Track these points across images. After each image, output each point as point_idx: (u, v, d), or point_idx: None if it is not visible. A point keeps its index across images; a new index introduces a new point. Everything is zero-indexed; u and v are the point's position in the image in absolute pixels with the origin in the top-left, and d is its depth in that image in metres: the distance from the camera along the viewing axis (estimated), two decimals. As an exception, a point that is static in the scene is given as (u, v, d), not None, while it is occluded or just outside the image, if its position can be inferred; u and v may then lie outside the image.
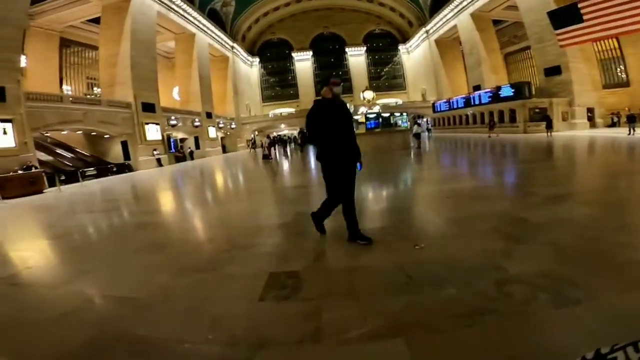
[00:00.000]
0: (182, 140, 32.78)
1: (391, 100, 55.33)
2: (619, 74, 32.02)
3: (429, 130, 34.11)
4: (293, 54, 58.59)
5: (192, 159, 29.77)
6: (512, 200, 5.51)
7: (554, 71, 28.24)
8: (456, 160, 12.96)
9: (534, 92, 29.49)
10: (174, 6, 30.93)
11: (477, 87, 36.64)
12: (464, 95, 36.98)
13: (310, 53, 58.64)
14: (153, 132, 25.06)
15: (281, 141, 35.70)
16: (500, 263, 2.80)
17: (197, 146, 32.72)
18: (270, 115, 53.52)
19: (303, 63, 58.64)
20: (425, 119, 41.57)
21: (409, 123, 30.05)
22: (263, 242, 4.15)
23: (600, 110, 27.34)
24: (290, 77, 59.63)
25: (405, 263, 2.99)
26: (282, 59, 58.89)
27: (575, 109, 25.93)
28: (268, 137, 37.48)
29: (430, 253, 3.25)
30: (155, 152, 24.40)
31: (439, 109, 42.15)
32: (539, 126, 25.93)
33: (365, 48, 59.55)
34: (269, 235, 4.45)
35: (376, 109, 23.49)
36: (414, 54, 56.28)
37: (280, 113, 54.92)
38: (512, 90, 29.43)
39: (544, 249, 3.03)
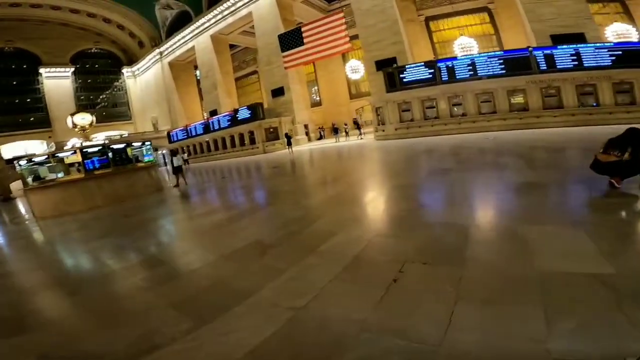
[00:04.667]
0: None
1: (114, 132, 47.07)
2: (313, 95, 39.41)
3: (186, 161, 29.82)
4: None
5: None
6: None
7: (278, 92, 31.23)
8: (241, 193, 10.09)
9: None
10: None
11: (214, 112, 36.69)
12: (202, 121, 36.00)
13: (-30, 72, 39.16)
14: None
15: None
16: None
17: None
18: None
19: None
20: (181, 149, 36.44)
21: (153, 155, 24.39)
22: None
23: (311, 126, 32.99)
24: None
25: None
26: None
27: (297, 126, 29.36)
28: None
29: None
30: None
31: (175, 138, 39.44)
32: (274, 145, 28.36)
33: (73, 69, 46.13)
34: None
35: (100, 139, 16.65)
36: (143, 78, 49.43)
37: None
38: (249, 112, 30.82)
39: None
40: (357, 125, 27.83)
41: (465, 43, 24.80)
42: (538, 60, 16.33)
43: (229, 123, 31.60)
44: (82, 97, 47.32)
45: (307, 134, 31.05)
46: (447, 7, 30.30)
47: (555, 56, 16.09)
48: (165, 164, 25.54)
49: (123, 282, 3.81)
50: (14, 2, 39.37)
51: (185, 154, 32.68)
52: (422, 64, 19.70)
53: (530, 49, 16.77)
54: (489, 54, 18.14)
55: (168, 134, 39.94)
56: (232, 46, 40.94)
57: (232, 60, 41.00)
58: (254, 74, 47.06)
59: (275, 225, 5.10)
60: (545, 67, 16.22)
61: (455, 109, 17.83)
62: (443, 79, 18.42)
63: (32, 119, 44.07)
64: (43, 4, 41.56)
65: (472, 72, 17.80)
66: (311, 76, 40.09)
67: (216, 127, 32.91)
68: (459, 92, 17.71)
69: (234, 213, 6.57)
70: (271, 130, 28.92)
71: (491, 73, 17.29)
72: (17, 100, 43.25)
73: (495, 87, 16.81)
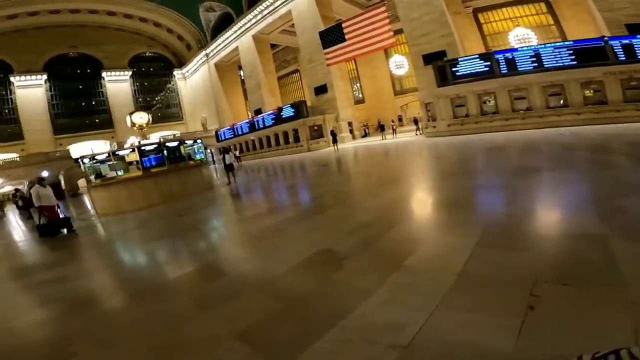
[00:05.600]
0: None
1: (167, 132, 49.08)
2: (355, 92, 38.42)
3: (237, 158, 30.58)
4: (13, 79, 41.37)
5: None
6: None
7: (321, 89, 30.75)
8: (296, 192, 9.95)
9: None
10: None
11: (258, 111, 37.00)
12: (248, 120, 36.48)
13: (44, 77, 43.13)
14: None
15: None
16: None
17: None
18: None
19: (30, 90, 43.28)
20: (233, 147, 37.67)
21: (204, 153, 25.19)
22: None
23: (355, 124, 32.02)
24: (7, 110, 41.92)
25: None
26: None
27: (341, 124, 28.70)
28: None
29: None
30: None
31: (223, 137, 40.23)
32: (318, 143, 27.86)
33: (131, 72, 49.38)
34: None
35: (154, 138, 17.17)
36: (192, 80, 51.56)
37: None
38: (293, 110, 30.55)
39: None
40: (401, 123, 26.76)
41: (522, 34, 22.82)
42: (615, 50, 14.44)
43: (273, 121, 31.60)
44: (139, 99, 50.16)
45: (351, 131, 30.29)
46: (498, -2, 28.32)
47: (635, 46, 14.19)
48: (214, 162, 26.22)
49: (179, 299, 3.28)
50: (73, 8, 42.61)
51: (237, 151, 32.94)
52: (477, 56, 18.21)
53: (605, 38, 14.83)
54: (556, 44, 16.24)
55: (216, 133, 40.95)
56: (272, 46, 41.16)
57: (273, 60, 41.47)
58: (295, 72, 47.21)
59: (343, 230, 4.45)
60: (624, 58, 14.32)
61: (517, 103, 16.17)
62: (502, 71, 16.85)
63: (97, 120, 47.75)
64: (99, 9, 44.52)
65: (536, 64, 16.10)
66: (353, 73, 39.28)
67: (261, 125, 33.09)
68: (521, 85, 16.05)
69: (291, 215, 6.05)
70: (315, 128, 28.48)
71: (560, 64, 15.50)
72: (83, 103, 47.07)
73: (566, 79, 14.98)
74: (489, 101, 16.90)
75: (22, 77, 42.10)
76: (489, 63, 17.23)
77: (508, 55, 16.97)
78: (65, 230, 8.35)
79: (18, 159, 34.89)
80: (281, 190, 10.32)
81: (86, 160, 12.15)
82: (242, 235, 5.46)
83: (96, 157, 12.22)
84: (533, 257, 2.90)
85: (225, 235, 5.76)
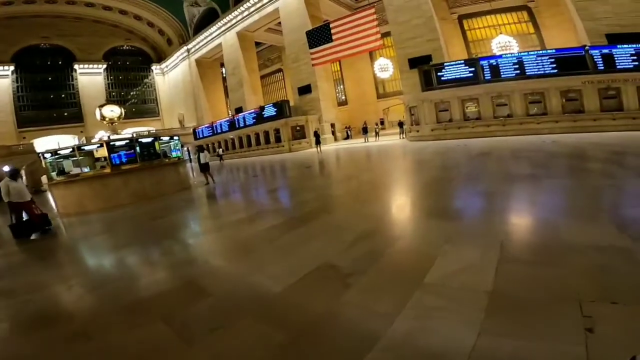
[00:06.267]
0: None
1: (142, 128, 46.95)
2: (338, 94, 38.27)
3: (220, 156, 29.65)
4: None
5: None
6: None
7: (305, 90, 30.27)
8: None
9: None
10: None
11: (239, 109, 36.09)
12: (228, 118, 35.38)
13: (11, 68, 40.28)
14: None
15: None
16: None
17: None
18: None
19: None
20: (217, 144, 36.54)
21: (180, 150, 23.91)
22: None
23: (338, 125, 31.71)
24: None
25: None
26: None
27: (323, 125, 28.29)
28: None
29: None
30: None
31: (201, 135, 38.95)
32: (300, 143, 27.38)
33: (105, 66, 46.92)
34: None
35: (127, 134, 15.53)
36: (171, 75, 49.69)
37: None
38: (275, 109, 29.82)
39: None
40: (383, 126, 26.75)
41: (504, 41, 23.37)
42: (595, 59, 14.84)
43: (255, 120, 30.78)
44: (113, 94, 47.59)
45: (333, 133, 29.93)
46: (483, 5, 28.88)
47: (615, 56, 14.64)
48: (190, 161, 25.13)
49: (153, 326, 2.62)
50: None
51: (221, 149, 31.86)
52: (462, 61, 18.36)
53: (586, 47, 15.21)
54: (538, 52, 16.62)
55: (194, 130, 39.56)
56: (257, 44, 40.30)
57: (258, 58, 40.51)
58: (279, 72, 46.42)
59: (343, 240, 3.96)
60: (603, 67, 14.73)
61: (499, 109, 16.36)
62: (486, 77, 17.04)
63: (65, 114, 44.84)
64: (77, 0, 42.27)
65: (519, 71, 16.36)
66: (336, 75, 39.04)
67: (241, 124, 32.15)
68: (504, 91, 16.25)
69: (280, 221, 5.43)
70: (297, 128, 27.89)
71: (542, 72, 15.82)
72: (52, 96, 44.09)
73: (547, 87, 15.30)
74: (472, 107, 17.01)
75: (-15, 67, 38.96)
76: (473, 69, 17.35)
77: (492, 61, 17.16)
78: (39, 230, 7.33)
79: (-24, 152, 32.03)
80: (266, 192, 9.64)
81: (47, 155, 10.99)
82: (227, 245, 4.80)
83: (59, 152, 11.08)
84: (565, 272, 2.57)
85: (207, 245, 5.04)
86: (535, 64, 16.01)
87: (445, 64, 18.93)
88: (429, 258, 3.11)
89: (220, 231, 5.55)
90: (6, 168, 29.59)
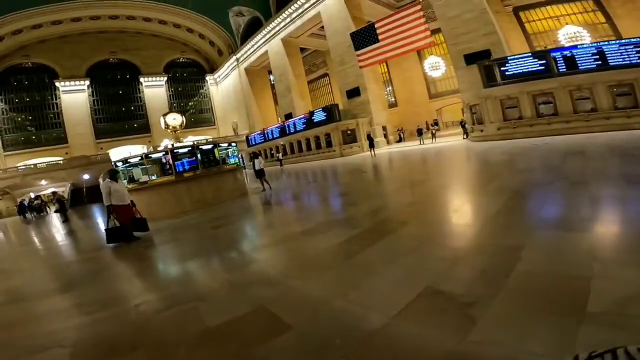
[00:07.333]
0: None
1: (199, 137, 49.52)
2: (387, 96, 37.20)
3: (280, 161, 30.61)
4: (58, 84, 43.20)
5: None
6: None
7: (354, 92, 29.64)
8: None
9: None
10: None
11: (288, 115, 36.46)
12: (278, 125, 35.79)
13: (87, 82, 44.65)
14: None
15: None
16: None
17: None
18: (20, 169, 36.14)
19: (74, 95, 45.01)
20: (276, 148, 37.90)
21: (238, 156, 24.72)
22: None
23: (389, 128, 30.55)
24: (52, 115, 43.57)
25: None
26: (40, 90, 43.38)
27: (374, 128, 27.33)
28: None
29: None
30: None
31: (253, 142, 39.94)
32: (352, 148, 26.68)
33: (166, 78, 50.65)
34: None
35: (188, 141, 16.38)
36: (223, 85, 52.13)
37: (35, 164, 37.08)
38: (325, 114, 29.58)
39: None
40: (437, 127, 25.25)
41: (572, 32, 21.13)
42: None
43: (305, 126, 30.83)
44: (174, 105, 51.21)
45: (385, 136, 28.96)
46: (543, -5, 26.80)
47: None
48: (244, 167, 25.90)
49: None
50: (112, 14, 44.30)
51: (280, 154, 32.24)
52: (530, 54, 16.68)
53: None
54: (621, 41, 14.67)
55: (247, 137, 40.89)
56: (301, 50, 40.77)
57: (302, 64, 40.94)
58: (324, 77, 46.54)
59: (439, 258, 3.30)
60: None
61: (580, 104, 14.35)
62: (560, 70, 15.20)
63: (135, 125, 49.24)
64: (136, 15, 46.06)
65: (600, 62, 14.39)
66: (384, 76, 38.01)
67: (292, 130, 32.41)
68: (584, 84, 14.28)
69: (354, 233, 4.80)
70: (348, 132, 27.30)
71: (627, 62, 13.76)
72: (122, 108, 48.75)
73: (636, 77, 13.14)
74: (547, 102, 15.15)
75: (67, 83, 44.11)
76: (544, 61, 15.60)
77: (566, 52, 15.32)
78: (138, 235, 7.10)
79: (62, 162, 36.33)
80: (326, 200, 9.12)
81: (119, 164, 11.71)
82: (297, 261, 4.23)
83: (129, 161, 11.75)
84: None
85: (272, 260, 4.50)
86: (619, 54, 14.02)
87: (508, 57, 17.29)
88: (578, 280, 2.38)
89: (285, 243, 5.12)
90: (86, 176, 32.94)
